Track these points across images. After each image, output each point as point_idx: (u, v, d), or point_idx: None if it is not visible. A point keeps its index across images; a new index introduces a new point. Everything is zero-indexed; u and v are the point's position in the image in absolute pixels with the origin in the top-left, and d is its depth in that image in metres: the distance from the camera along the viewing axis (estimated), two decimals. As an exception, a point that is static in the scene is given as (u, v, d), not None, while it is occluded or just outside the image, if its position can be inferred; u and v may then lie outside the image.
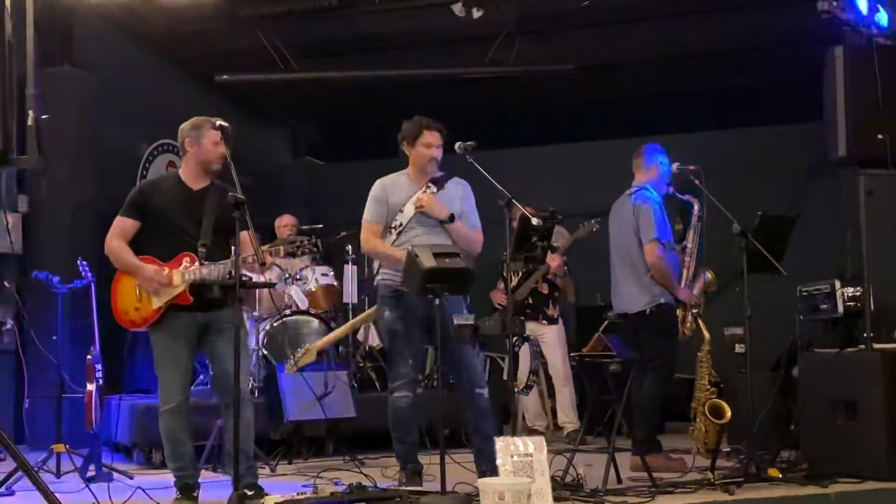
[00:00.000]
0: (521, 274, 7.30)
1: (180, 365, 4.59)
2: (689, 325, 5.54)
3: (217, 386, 4.68)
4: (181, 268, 4.49)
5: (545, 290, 7.34)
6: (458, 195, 4.97)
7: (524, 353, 6.81)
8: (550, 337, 7.30)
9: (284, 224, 7.85)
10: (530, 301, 7.31)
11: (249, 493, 4.43)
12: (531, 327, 7.25)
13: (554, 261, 7.11)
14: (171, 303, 4.51)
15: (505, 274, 7.37)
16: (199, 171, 4.64)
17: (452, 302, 4.70)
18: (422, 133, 4.90)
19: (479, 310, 5.45)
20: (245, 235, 4.46)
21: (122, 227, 4.62)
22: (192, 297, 4.48)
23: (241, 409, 4.38)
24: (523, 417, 7.33)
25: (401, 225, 4.87)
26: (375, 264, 5.01)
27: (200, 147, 4.59)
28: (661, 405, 5.58)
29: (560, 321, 7.43)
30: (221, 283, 4.44)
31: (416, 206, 4.84)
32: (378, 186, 4.97)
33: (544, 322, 7.32)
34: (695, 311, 5.53)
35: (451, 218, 4.85)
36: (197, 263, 4.48)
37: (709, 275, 5.61)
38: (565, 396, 7.22)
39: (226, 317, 4.58)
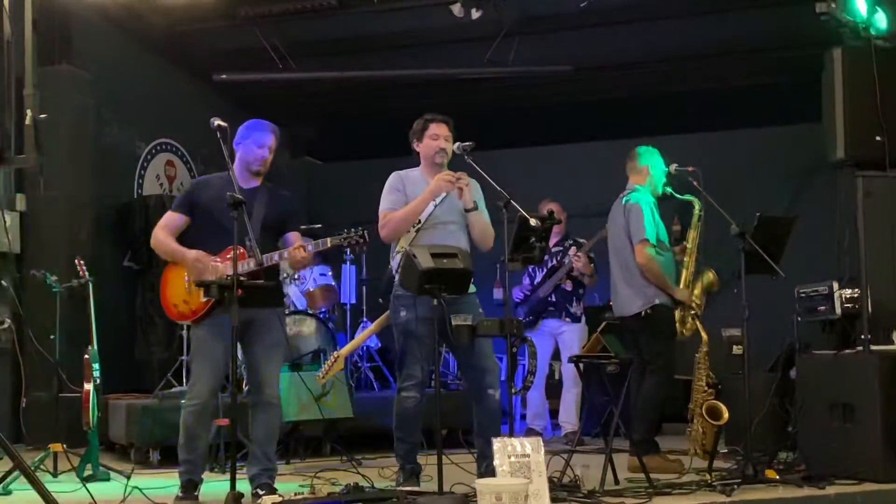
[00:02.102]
0: (545, 271, 7.32)
1: (216, 364, 4.62)
2: (688, 325, 5.54)
3: (250, 384, 4.79)
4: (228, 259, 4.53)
5: (569, 286, 7.33)
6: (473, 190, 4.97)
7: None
8: (570, 335, 7.27)
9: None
10: (553, 298, 7.30)
11: (261, 492, 4.50)
12: (552, 324, 7.26)
13: (578, 261, 7.11)
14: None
15: (529, 271, 7.40)
16: (245, 172, 4.77)
17: (467, 302, 4.72)
18: (427, 127, 4.94)
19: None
20: (296, 236, 4.73)
21: (169, 220, 4.76)
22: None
23: (270, 414, 4.60)
24: (523, 417, 7.33)
25: (419, 222, 4.85)
26: (393, 262, 4.95)
27: (244, 148, 4.75)
28: (660, 407, 5.56)
29: (583, 320, 7.39)
30: (220, 283, 4.43)
31: (455, 181, 4.81)
32: (394, 177, 4.97)
33: (567, 319, 7.30)
34: (693, 311, 5.53)
35: (475, 206, 4.87)
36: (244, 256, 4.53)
37: (710, 275, 5.59)
38: (571, 397, 7.20)
39: (265, 316, 4.66)
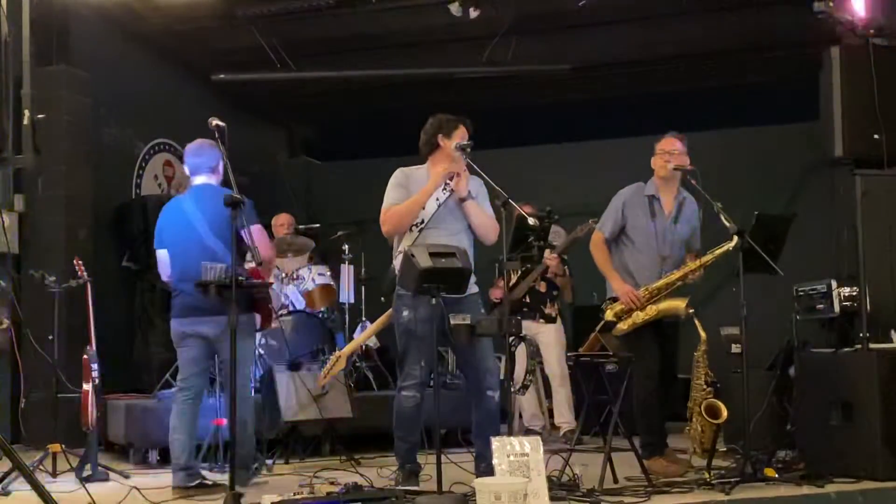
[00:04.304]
0: (518, 272, 7.30)
1: None
2: (625, 323, 5.31)
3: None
4: None
5: (543, 288, 7.32)
6: (473, 186, 4.95)
7: (520, 352, 6.82)
8: (547, 336, 7.27)
9: (281, 223, 7.82)
10: (527, 300, 7.29)
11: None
12: (528, 326, 7.24)
13: (552, 260, 7.10)
14: None
15: (504, 272, 7.36)
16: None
17: (468, 302, 4.72)
18: (459, 128, 4.91)
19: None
20: None
21: None
22: None
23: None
24: (520, 417, 7.33)
25: (422, 222, 4.85)
26: (395, 262, 4.93)
27: (222, 163, 5.02)
28: (645, 406, 5.34)
29: (559, 320, 7.36)
30: (218, 283, 4.45)
31: (450, 172, 4.81)
32: (399, 173, 4.95)
33: (541, 321, 7.29)
34: (615, 307, 5.34)
35: (470, 195, 4.85)
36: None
37: (681, 305, 5.25)
38: (562, 397, 7.19)
39: None
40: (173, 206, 5.14)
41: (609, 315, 5.35)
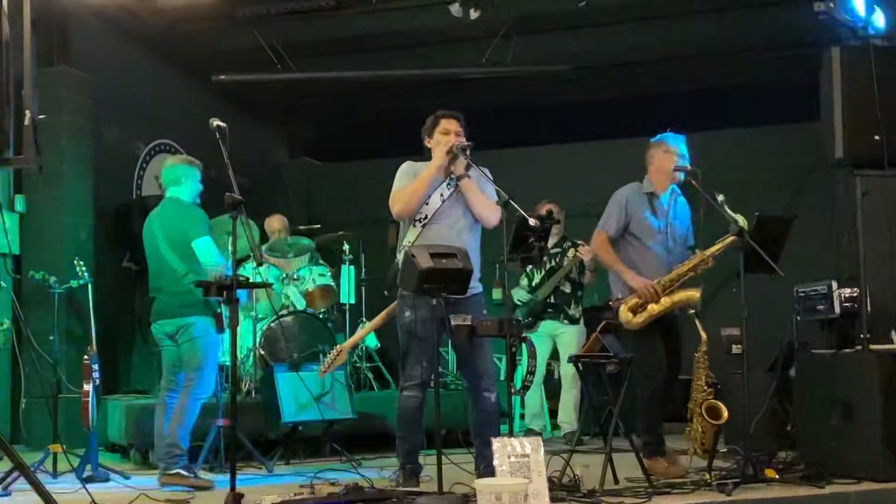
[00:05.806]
0: (544, 272, 7.31)
1: None
2: (636, 317, 5.28)
3: None
4: None
5: (568, 288, 7.32)
6: (474, 174, 4.97)
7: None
8: (568, 337, 7.25)
9: (275, 228, 7.75)
10: (552, 300, 7.30)
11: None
12: (550, 326, 7.25)
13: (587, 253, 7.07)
14: None
15: (528, 272, 7.39)
16: None
17: (472, 302, 4.73)
18: (438, 122, 4.96)
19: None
20: None
21: None
22: None
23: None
24: (521, 417, 7.33)
25: (426, 217, 4.86)
26: (399, 256, 4.92)
27: None
28: (647, 406, 5.36)
29: (581, 321, 7.35)
30: (218, 283, 4.46)
31: (449, 150, 4.84)
32: (407, 164, 4.99)
33: (565, 321, 7.29)
34: (629, 301, 5.33)
35: (467, 174, 4.88)
36: None
37: (696, 294, 5.25)
38: (570, 398, 7.19)
39: None
40: (146, 223, 5.54)
41: (624, 310, 5.31)
